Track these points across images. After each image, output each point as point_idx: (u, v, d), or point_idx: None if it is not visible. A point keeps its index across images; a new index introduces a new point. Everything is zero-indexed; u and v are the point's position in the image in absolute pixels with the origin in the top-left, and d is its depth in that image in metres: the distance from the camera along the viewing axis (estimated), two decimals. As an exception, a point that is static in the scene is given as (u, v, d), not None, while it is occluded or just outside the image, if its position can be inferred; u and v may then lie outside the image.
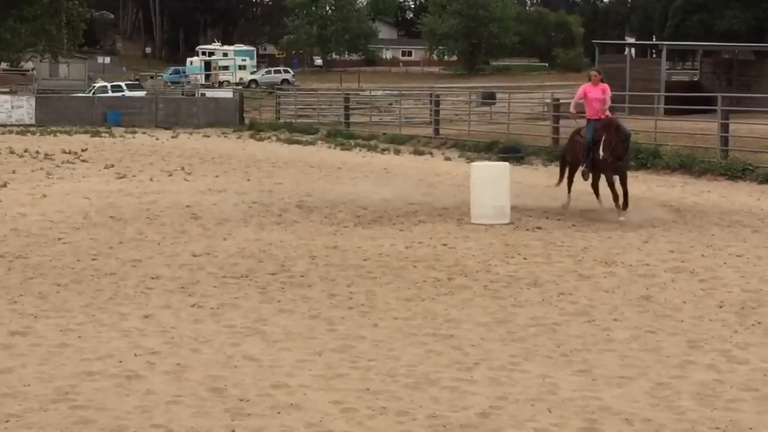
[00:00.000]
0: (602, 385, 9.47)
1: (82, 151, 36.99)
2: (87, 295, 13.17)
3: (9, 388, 9.16)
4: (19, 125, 54.39)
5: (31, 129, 52.33)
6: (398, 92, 62.91)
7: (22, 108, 56.96)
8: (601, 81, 21.20)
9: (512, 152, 33.10)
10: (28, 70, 77.41)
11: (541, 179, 20.58)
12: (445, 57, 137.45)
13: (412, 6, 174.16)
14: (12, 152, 36.10)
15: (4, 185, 25.50)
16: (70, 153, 35.85)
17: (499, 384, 9.47)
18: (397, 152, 38.96)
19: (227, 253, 16.30)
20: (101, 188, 25.14)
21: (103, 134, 48.78)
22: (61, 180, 27.33)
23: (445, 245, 17.07)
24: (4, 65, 75.40)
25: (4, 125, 54.02)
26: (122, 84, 78.26)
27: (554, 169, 20.95)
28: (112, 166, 31.52)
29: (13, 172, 29.14)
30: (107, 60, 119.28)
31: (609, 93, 21.16)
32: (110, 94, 70.40)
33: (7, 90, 63.62)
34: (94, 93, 70.21)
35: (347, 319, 11.98)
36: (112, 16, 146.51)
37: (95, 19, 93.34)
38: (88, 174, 29.08)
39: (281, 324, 11.71)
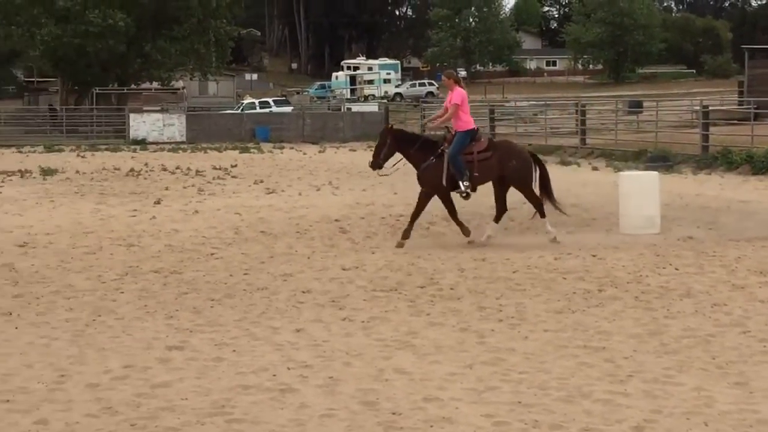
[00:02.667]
0: (760, 397, 9.28)
1: (232, 167, 37.65)
2: (240, 309, 13.38)
3: (167, 401, 9.35)
4: (170, 143, 55.60)
5: (183, 146, 53.43)
6: (543, 102, 62.51)
7: (173, 126, 58.23)
8: (457, 85, 19.03)
9: (661, 161, 32.65)
10: (178, 89, 79.08)
11: (691, 188, 20.25)
12: (590, 66, 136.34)
13: (556, 15, 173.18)
14: (164, 169, 36.91)
15: (158, 202, 26.07)
16: (220, 169, 36.50)
17: (653, 397, 9.35)
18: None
19: (376, 266, 16.40)
20: (251, 203, 25.53)
21: (252, 150, 49.53)
22: (213, 196, 27.83)
23: (594, 256, 16.92)
24: (155, 84, 77.10)
25: (157, 143, 55.32)
26: (269, 100, 79.37)
27: (704, 178, 20.52)
28: (261, 181, 31.99)
29: (166, 189, 29.81)
30: (254, 77, 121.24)
31: (457, 99, 18.67)
32: (258, 110, 71.46)
33: (159, 108, 65.02)
34: (242, 110, 71.37)
35: (497, 332, 11.95)
36: (259, 34, 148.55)
37: (242, 37, 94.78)
38: (239, 190, 29.56)
39: (431, 337, 11.73)
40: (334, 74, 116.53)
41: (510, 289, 14.48)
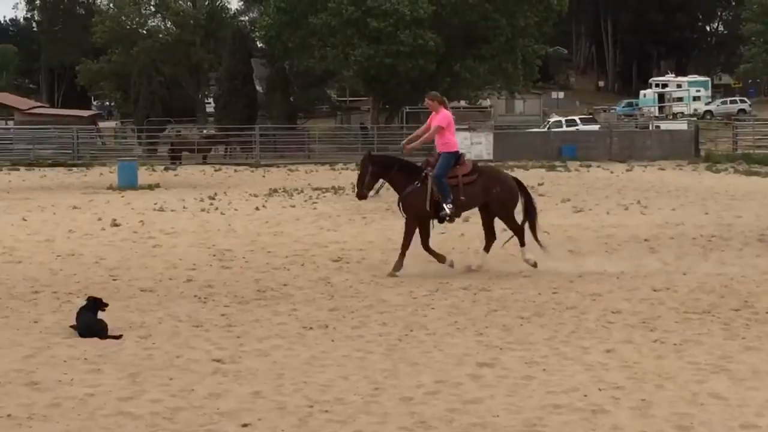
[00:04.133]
0: None
1: (539, 185, 37.67)
2: (549, 328, 13.38)
3: (479, 418, 9.45)
4: (478, 161, 56.08)
5: (490, 164, 53.81)
6: None
7: (480, 144, 58.81)
8: (443, 107, 18.38)
9: None
10: (486, 107, 79.79)
11: None
12: None
13: None
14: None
15: (467, 219, 26.30)
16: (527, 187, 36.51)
17: None
18: None
19: (688, 288, 16.08)
20: (559, 222, 25.47)
21: (559, 168, 49.42)
22: (517, 214, 27.82)
23: None
24: (463, 103, 78.04)
25: (464, 161, 55.94)
26: (576, 118, 79.04)
27: None
28: (569, 200, 31.87)
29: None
30: (561, 95, 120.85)
31: (442, 122, 18.18)
32: (564, 128, 71.28)
33: (467, 127, 65.85)
34: (548, 128, 71.34)
35: (818, 359, 11.51)
36: (566, 52, 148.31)
37: (549, 55, 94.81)
38: (545, 208, 29.42)
39: (747, 361, 11.41)
40: (641, 92, 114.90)
41: (831, 314, 13.93)
